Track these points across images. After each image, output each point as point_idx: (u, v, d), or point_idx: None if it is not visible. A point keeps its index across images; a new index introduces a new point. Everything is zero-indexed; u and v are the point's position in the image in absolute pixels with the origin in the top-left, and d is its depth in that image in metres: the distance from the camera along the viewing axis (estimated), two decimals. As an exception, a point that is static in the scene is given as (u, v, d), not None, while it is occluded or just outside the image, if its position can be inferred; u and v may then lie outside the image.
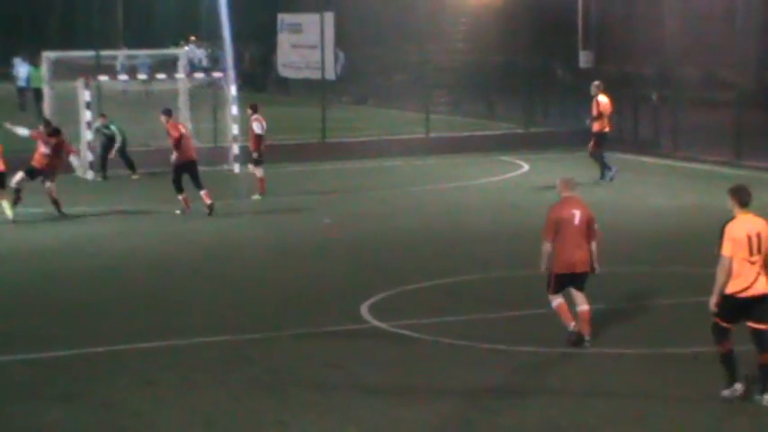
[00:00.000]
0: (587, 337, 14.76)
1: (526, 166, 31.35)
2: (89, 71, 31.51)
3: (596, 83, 28.78)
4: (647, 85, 36.04)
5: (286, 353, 15.08)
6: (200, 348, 15.33)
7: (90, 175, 29.90)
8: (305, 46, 39.77)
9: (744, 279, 12.39)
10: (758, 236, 12.41)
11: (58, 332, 16.19)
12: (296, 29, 41.21)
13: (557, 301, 14.75)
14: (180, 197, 24.71)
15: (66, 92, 32.12)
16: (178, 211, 24.70)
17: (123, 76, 33.78)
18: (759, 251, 12.39)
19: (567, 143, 33.69)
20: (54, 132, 24.66)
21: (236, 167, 30.55)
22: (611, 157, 29.43)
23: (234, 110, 30.97)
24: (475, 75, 41.05)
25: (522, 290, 17.32)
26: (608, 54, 37.86)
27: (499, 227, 23.26)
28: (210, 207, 24.56)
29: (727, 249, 12.34)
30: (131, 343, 15.51)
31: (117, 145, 29.69)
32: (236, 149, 30.75)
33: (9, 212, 23.91)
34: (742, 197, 12.54)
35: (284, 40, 42.61)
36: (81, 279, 19.43)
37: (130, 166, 29.76)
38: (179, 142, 24.42)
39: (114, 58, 37.11)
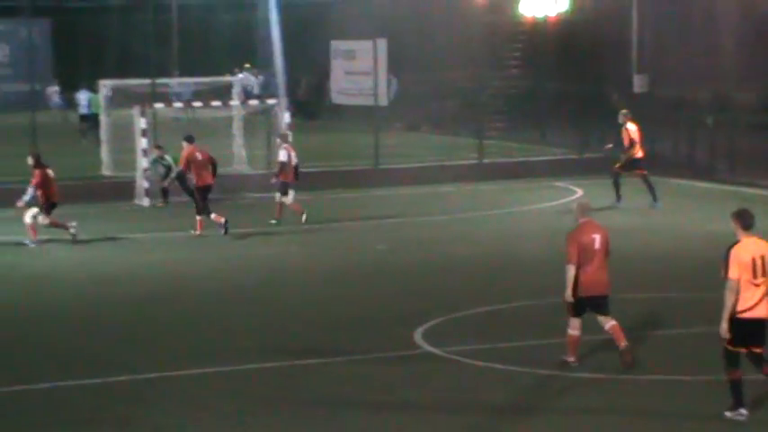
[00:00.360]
0: (625, 343, 14.83)
1: (580, 192, 31.23)
2: (145, 98, 31.87)
3: (623, 111, 28.93)
4: (703, 109, 35.84)
5: (340, 378, 15.12)
6: (255, 374, 15.41)
7: (146, 201, 30.14)
8: (358, 72, 39.88)
9: (746, 300, 12.66)
10: (762, 258, 12.71)
11: (113, 357, 16.34)
12: (349, 55, 41.35)
13: (574, 330, 14.96)
14: (212, 217, 25.34)
15: (123, 119, 32.50)
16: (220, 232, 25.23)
17: (178, 104, 34.04)
18: (764, 274, 12.68)
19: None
20: (36, 166, 24.68)
21: (290, 194, 30.62)
22: (665, 182, 29.27)
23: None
24: (529, 100, 40.93)
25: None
26: (663, 78, 37.68)
27: (553, 253, 23.05)
28: (225, 227, 25.36)
29: (734, 272, 12.65)
30: (186, 368, 15.63)
31: (172, 175, 29.84)
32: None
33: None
34: (745, 220, 12.89)
35: (337, 66, 42.75)
36: (136, 304, 19.58)
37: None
38: (186, 170, 26.11)
39: (168, 85, 37.46)
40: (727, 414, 12.97)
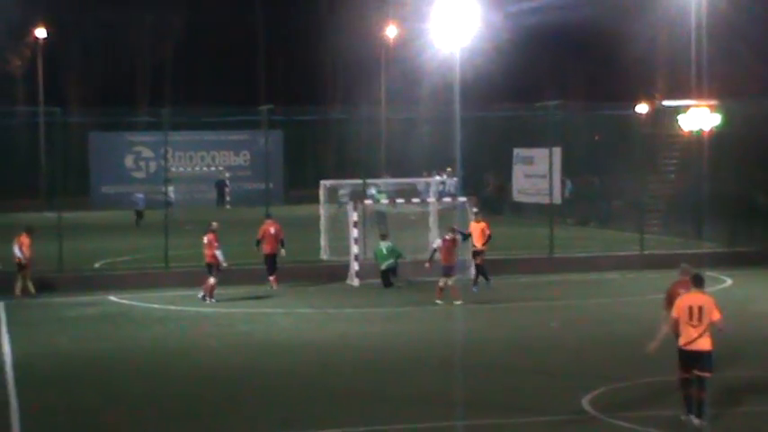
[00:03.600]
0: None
1: (729, 281, 30.21)
2: (356, 196, 32.33)
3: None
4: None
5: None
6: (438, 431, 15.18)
7: (356, 282, 30.29)
8: (536, 175, 39.78)
9: (686, 336, 14.62)
10: (699, 308, 14.58)
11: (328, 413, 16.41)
12: (528, 161, 41.32)
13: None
14: (270, 278, 28.61)
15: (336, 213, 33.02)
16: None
17: (384, 200, 34.32)
18: (699, 319, 14.55)
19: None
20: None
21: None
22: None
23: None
24: (685, 201, 40.11)
25: (727, 390, 16.56)
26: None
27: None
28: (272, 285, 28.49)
29: (674, 312, 14.73)
30: (381, 425, 15.53)
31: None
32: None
33: None
34: (695, 281, 15.02)
35: (519, 170, 42.75)
36: (348, 368, 19.66)
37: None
38: (262, 239, 28.79)
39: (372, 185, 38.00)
40: (682, 417, 14.71)
